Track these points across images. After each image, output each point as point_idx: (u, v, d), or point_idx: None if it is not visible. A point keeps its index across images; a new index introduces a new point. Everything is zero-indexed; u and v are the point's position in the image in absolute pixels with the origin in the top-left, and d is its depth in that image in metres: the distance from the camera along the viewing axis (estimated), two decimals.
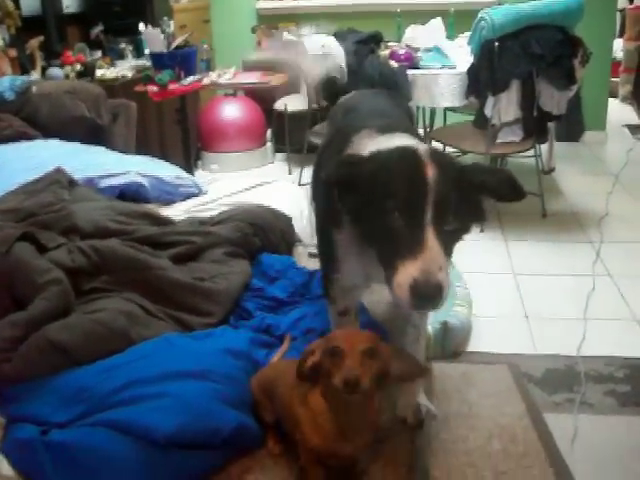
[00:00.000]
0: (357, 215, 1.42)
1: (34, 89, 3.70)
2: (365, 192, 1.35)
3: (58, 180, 2.64)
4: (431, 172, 1.30)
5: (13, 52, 4.10)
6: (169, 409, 1.52)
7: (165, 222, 2.51)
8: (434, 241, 1.26)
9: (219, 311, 2.07)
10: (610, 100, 5.92)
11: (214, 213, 2.67)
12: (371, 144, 1.48)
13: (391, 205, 1.30)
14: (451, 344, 2.51)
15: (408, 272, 1.25)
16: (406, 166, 1.33)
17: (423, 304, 1.29)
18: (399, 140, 1.47)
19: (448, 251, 1.33)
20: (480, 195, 1.40)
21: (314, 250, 2.41)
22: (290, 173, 5.19)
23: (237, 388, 1.66)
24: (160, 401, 1.54)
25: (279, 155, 5.62)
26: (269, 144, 5.57)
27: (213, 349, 1.77)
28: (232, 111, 5.30)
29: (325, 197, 1.65)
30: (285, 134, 5.27)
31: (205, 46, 4.97)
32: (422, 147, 1.40)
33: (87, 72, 4.30)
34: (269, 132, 5.58)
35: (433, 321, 2.41)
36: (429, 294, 1.25)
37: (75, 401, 1.62)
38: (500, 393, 2.16)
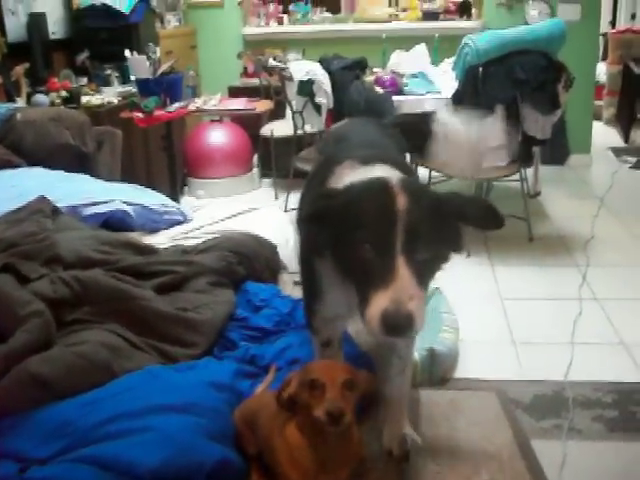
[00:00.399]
0: (334, 248, 1.42)
1: (19, 116, 3.68)
2: (338, 225, 1.37)
3: (41, 209, 2.63)
4: (402, 202, 1.31)
5: None
6: (152, 443, 1.50)
7: (149, 251, 2.49)
8: (405, 270, 1.27)
9: (203, 342, 2.05)
10: (594, 123, 5.97)
11: (199, 241, 2.66)
12: (351, 176, 1.49)
13: (361, 236, 1.32)
14: (438, 371, 2.50)
15: (379, 302, 1.27)
16: (375, 198, 1.35)
17: (394, 333, 1.29)
18: (378, 171, 1.48)
19: (424, 280, 1.34)
20: (457, 224, 1.41)
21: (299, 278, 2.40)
22: (276, 198, 5.18)
23: (220, 421, 1.64)
24: (143, 435, 1.52)
25: (265, 181, 5.62)
26: (255, 170, 5.57)
27: (197, 382, 1.75)
28: (218, 137, 5.30)
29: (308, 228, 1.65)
30: (271, 159, 5.27)
31: (191, 72, 4.98)
32: (395, 178, 1.41)
33: (73, 98, 4.28)
34: (255, 158, 5.58)
35: (420, 348, 2.40)
36: (399, 323, 1.26)
37: (57, 436, 1.59)
38: (488, 421, 2.15)
